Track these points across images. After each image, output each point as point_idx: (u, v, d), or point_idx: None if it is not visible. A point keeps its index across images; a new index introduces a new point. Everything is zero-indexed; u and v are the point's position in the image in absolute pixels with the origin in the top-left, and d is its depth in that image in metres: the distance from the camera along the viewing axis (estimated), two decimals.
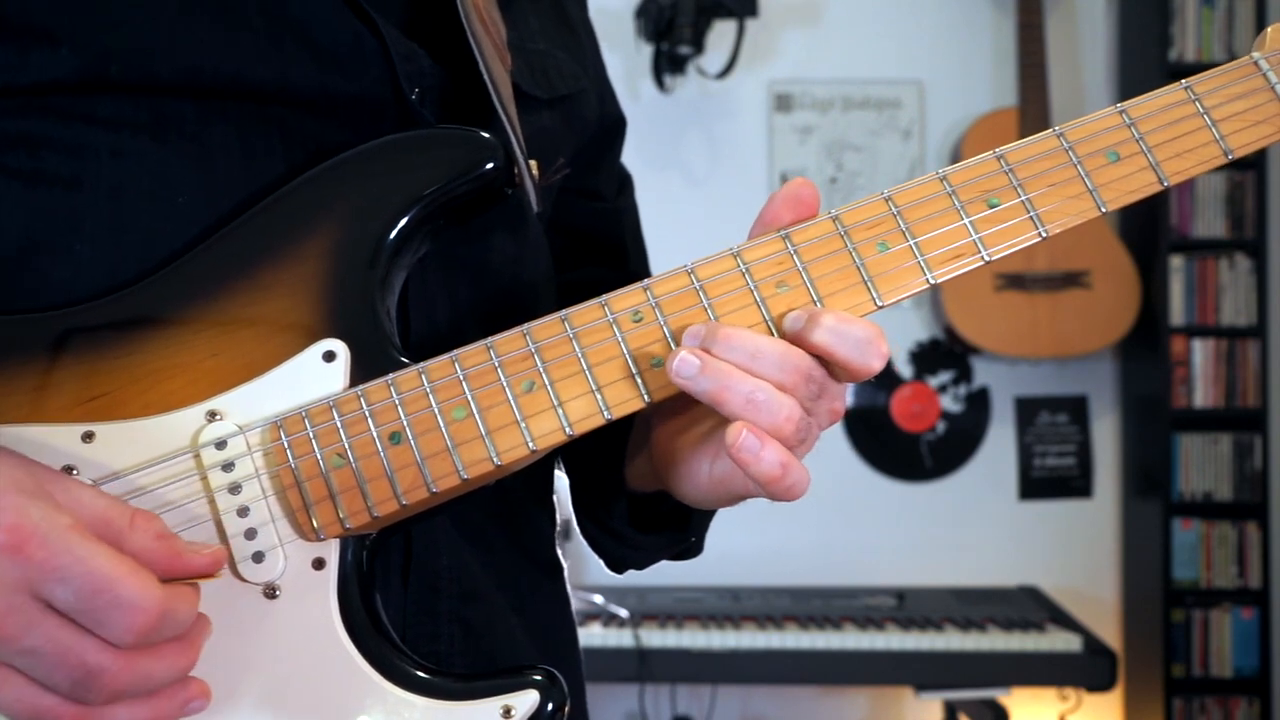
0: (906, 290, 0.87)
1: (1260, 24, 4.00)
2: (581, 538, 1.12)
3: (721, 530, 1.05)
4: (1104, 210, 0.89)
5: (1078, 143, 0.90)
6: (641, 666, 3.36)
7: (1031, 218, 0.88)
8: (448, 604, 0.93)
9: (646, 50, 3.98)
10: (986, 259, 0.88)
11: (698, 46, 3.90)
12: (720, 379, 0.81)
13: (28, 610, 0.70)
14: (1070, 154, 0.90)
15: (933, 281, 0.87)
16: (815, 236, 0.87)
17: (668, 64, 3.96)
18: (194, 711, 0.77)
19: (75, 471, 0.79)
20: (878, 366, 0.83)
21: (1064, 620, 3.59)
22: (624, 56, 4.02)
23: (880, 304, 0.86)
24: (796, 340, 0.83)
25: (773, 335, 0.85)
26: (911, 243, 0.87)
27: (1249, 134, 0.91)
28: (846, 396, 0.89)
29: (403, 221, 0.86)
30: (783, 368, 0.82)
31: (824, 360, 0.84)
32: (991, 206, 0.88)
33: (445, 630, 0.93)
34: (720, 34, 3.97)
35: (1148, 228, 4.04)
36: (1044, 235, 0.88)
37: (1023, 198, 0.88)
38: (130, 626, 0.71)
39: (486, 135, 0.88)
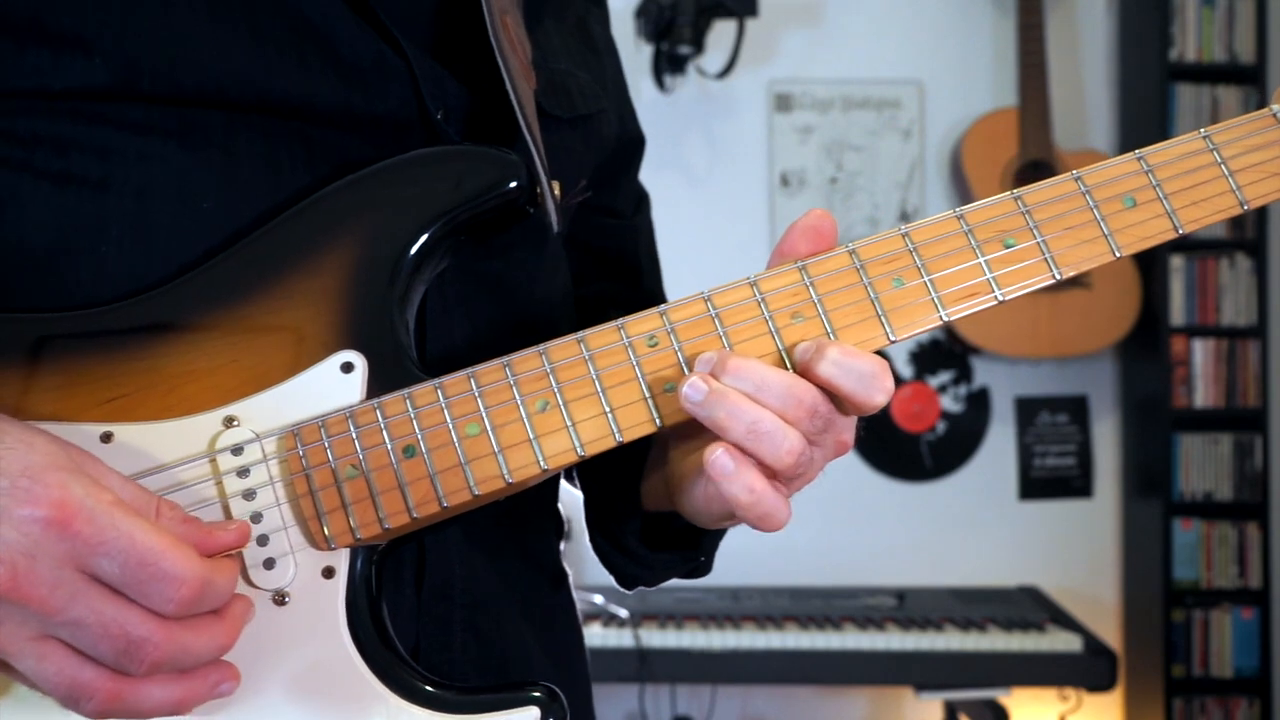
0: (920, 326, 0.88)
1: (1260, 24, 4.00)
2: (583, 540, 1.13)
3: None
4: (1119, 255, 0.90)
5: (1095, 187, 0.91)
6: (641, 666, 3.36)
7: (1046, 260, 0.89)
8: (461, 613, 0.94)
9: (646, 50, 3.98)
10: (1000, 299, 0.89)
11: (698, 46, 3.90)
12: (725, 406, 0.82)
13: (73, 583, 0.72)
14: (1087, 198, 0.91)
15: (946, 319, 0.88)
16: (832, 269, 0.88)
17: (668, 64, 3.96)
18: (223, 694, 0.79)
19: None
20: (881, 401, 0.84)
21: (1064, 620, 3.59)
22: (624, 56, 3.99)
23: (893, 338, 0.87)
24: (804, 371, 0.84)
25: (786, 366, 0.86)
26: (927, 279, 0.88)
27: (1265, 185, 0.92)
28: (855, 429, 0.90)
29: (424, 237, 0.87)
30: (786, 401, 0.83)
31: (829, 393, 0.84)
32: (1007, 247, 0.89)
33: (458, 639, 0.93)
34: (720, 34, 3.96)
35: None
36: (1058, 277, 0.89)
37: (1038, 239, 0.89)
38: (172, 596, 0.74)
39: (510, 154, 0.89)
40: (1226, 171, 0.92)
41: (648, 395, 0.85)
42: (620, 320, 0.87)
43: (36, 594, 0.71)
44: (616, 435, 0.85)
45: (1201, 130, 0.93)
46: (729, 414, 0.81)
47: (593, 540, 1.11)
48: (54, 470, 0.73)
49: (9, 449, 0.73)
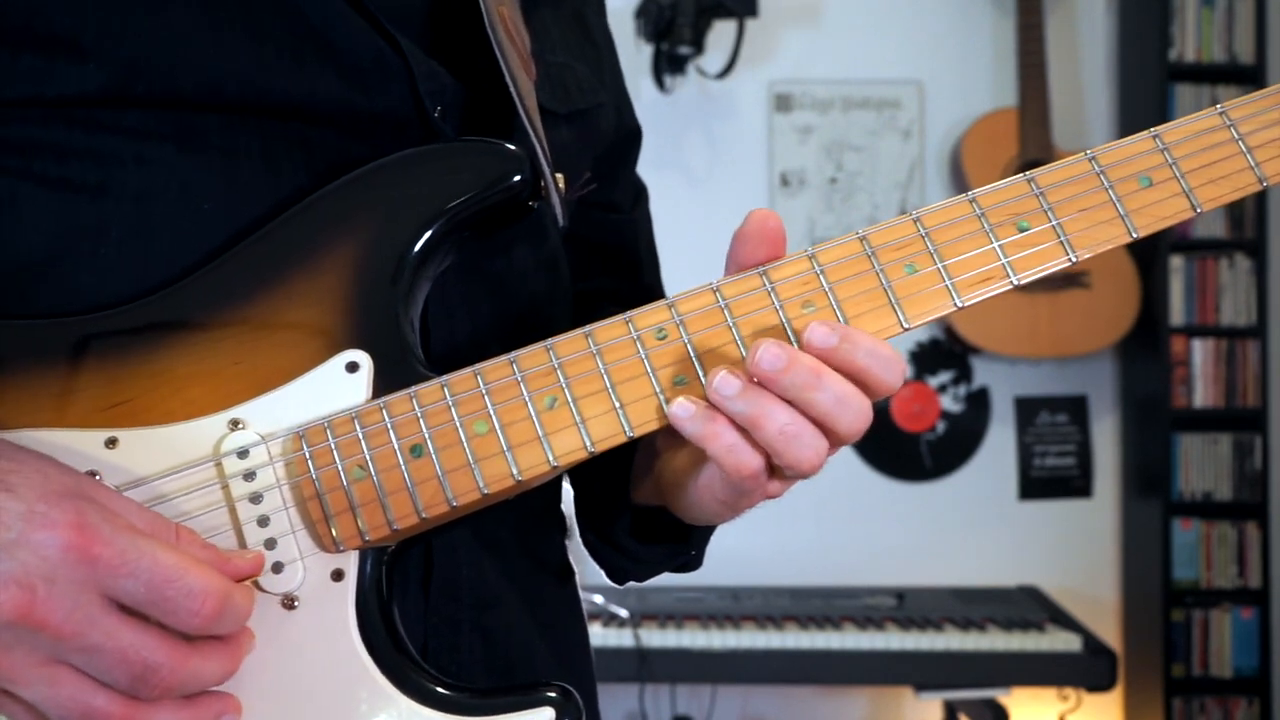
0: (933, 313, 0.86)
1: (1260, 24, 4.00)
2: (581, 542, 1.13)
3: (721, 530, 1.05)
4: (1135, 236, 0.88)
5: (1110, 167, 0.89)
6: (641, 666, 3.36)
7: (1062, 242, 0.87)
8: (468, 613, 0.93)
9: (646, 50, 3.98)
10: (1015, 283, 0.87)
11: (698, 46, 3.90)
12: (759, 406, 0.80)
13: (91, 608, 0.72)
14: (1102, 178, 0.88)
15: (960, 305, 0.86)
16: (842, 257, 0.86)
17: (668, 64, 3.96)
18: None
19: (98, 477, 0.79)
20: (898, 386, 0.84)
21: (1064, 620, 3.58)
22: (624, 56, 3.98)
23: (907, 326, 0.86)
24: (829, 358, 0.82)
25: None
26: (940, 265, 0.86)
27: None
28: None
29: (428, 234, 0.86)
30: (842, 399, 0.82)
31: (856, 381, 0.83)
32: (1021, 230, 0.87)
33: (466, 641, 0.93)
34: (720, 34, 3.96)
35: None
36: (1074, 260, 0.87)
37: (1053, 222, 0.87)
38: (198, 610, 0.73)
39: (512, 148, 0.88)
40: (1245, 148, 0.90)
41: (658, 389, 0.84)
42: (628, 313, 0.85)
43: (53, 619, 0.70)
44: (628, 431, 0.83)
45: (1218, 106, 0.91)
46: (762, 414, 0.80)
47: (583, 535, 1.11)
48: (70, 498, 0.73)
49: (24, 477, 0.73)
